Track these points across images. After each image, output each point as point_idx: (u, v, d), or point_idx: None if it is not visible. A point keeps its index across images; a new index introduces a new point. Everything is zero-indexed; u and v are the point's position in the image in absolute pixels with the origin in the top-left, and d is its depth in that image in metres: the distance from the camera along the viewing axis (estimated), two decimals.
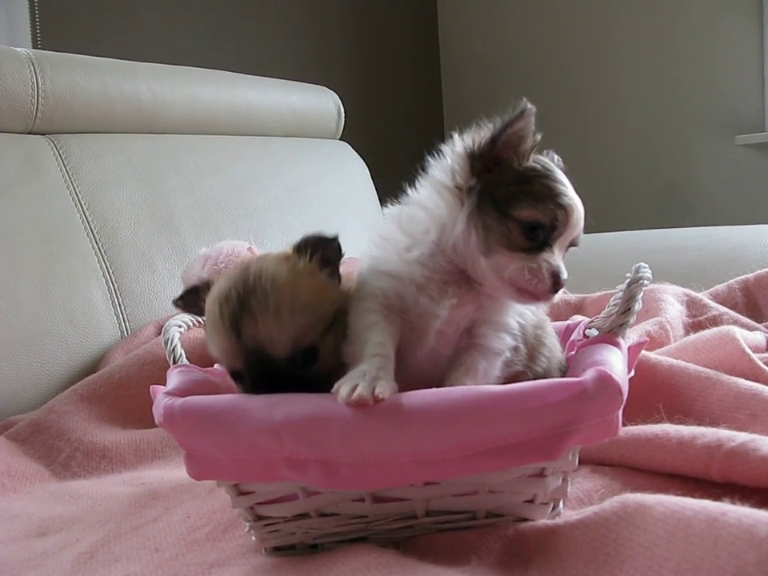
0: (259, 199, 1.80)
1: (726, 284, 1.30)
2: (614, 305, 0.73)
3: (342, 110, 2.18)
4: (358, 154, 2.19)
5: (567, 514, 0.66)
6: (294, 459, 0.61)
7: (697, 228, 1.74)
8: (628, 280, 0.71)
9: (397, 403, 0.60)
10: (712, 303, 1.22)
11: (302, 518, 0.67)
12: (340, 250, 0.72)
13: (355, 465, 0.60)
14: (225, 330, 0.67)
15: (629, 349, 0.71)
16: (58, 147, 1.54)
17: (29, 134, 1.52)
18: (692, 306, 1.22)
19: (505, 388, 0.60)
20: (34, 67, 1.48)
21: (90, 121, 1.61)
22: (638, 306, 0.70)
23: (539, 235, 0.68)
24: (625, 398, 0.60)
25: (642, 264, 0.73)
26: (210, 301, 0.70)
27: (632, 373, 0.69)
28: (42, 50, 1.77)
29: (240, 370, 0.68)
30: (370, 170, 2.19)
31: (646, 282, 0.70)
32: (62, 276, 1.39)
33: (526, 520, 0.65)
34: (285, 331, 0.65)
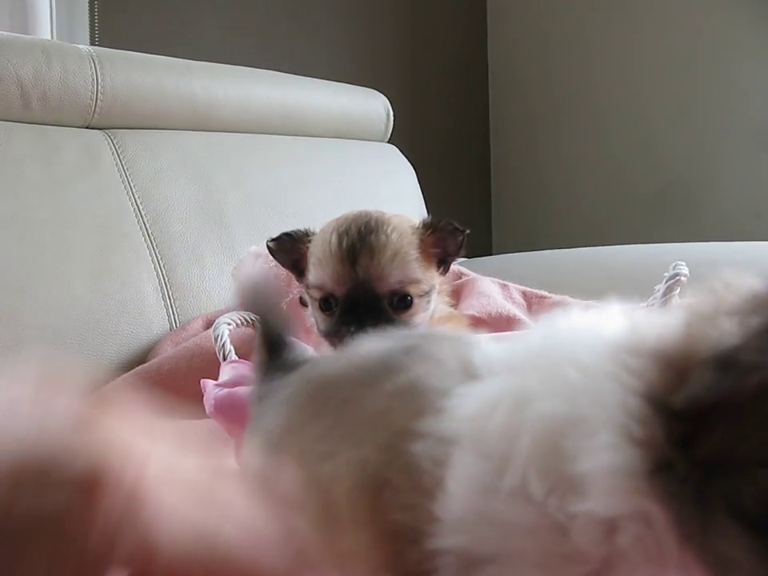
0: (308, 199, 1.82)
1: None
2: (652, 300, 0.74)
3: (392, 113, 2.19)
4: (406, 157, 2.20)
5: None
6: None
7: (740, 243, 1.71)
8: (667, 276, 0.73)
9: None
10: None
11: None
12: (461, 245, 0.79)
13: None
14: (340, 257, 0.74)
15: None
16: (115, 142, 1.57)
17: (87, 128, 1.55)
18: None
19: None
20: (94, 64, 1.52)
21: (146, 117, 1.64)
22: (675, 300, 0.71)
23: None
24: None
25: (680, 262, 0.75)
26: (326, 231, 0.77)
27: None
28: (100, 46, 1.81)
29: (339, 296, 0.74)
30: (416, 174, 2.20)
31: (683, 278, 0.72)
32: (115, 268, 1.43)
33: None
34: (394, 272, 0.74)
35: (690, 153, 2.94)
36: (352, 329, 0.70)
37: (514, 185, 3.36)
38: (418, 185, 2.18)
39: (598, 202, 3.10)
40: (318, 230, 0.80)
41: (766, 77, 2.75)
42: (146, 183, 1.57)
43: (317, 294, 0.75)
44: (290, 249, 0.80)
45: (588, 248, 1.93)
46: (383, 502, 0.41)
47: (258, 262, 1.18)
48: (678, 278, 0.72)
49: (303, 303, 0.89)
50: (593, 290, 1.50)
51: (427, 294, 0.77)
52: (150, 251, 1.50)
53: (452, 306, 0.91)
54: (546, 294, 1.41)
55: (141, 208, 1.53)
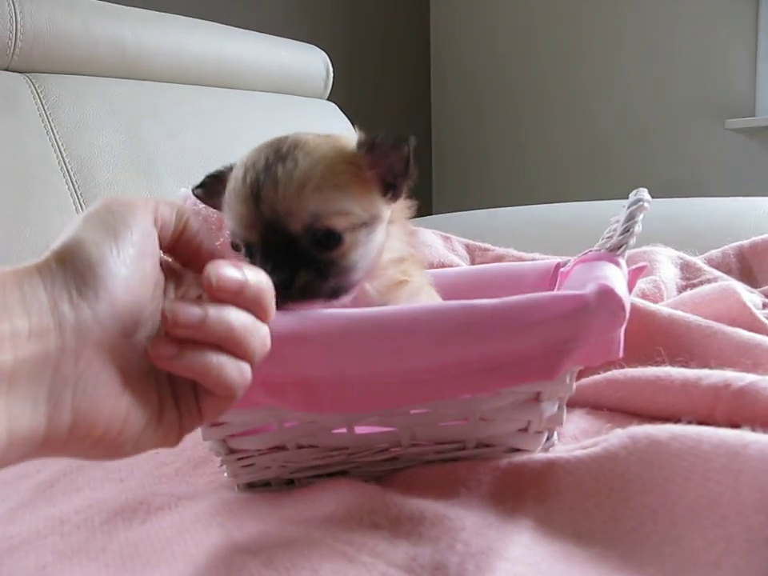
0: (241, 153, 1.73)
1: (720, 249, 1.26)
2: (613, 228, 0.69)
3: (331, 70, 2.13)
4: (345, 115, 2.14)
5: (561, 449, 0.62)
6: (271, 382, 0.56)
7: (690, 198, 1.70)
8: (628, 202, 0.68)
9: (384, 318, 0.55)
10: (706, 267, 1.19)
11: (278, 451, 0.62)
12: (407, 160, 0.64)
13: (337, 385, 0.55)
14: (244, 196, 0.60)
15: (629, 272, 0.67)
16: (37, 86, 1.48)
17: (5, 70, 1.45)
18: (686, 269, 1.18)
19: (501, 302, 0.55)
20: (12, 1, 1.42)
21: (71, 62, 1.54)
22: (638, 227, 0.66)
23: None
24: (627, 315, 0.56)
25: (642, 189, 0.70)
26: (237, 166, 0.63)
27: (631, 297, 0.66)
28: None
29: (254, 243, 0.61)
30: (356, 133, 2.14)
31: (645, 204, 0.67)
32: (35, 214, 1.33)
33: (517, 451, 0.61)
34: (305, 204, 0.59)
35: (624, 113, 2.94)
36: (274, 278, 0.59)
37: (455, 145, 3.32)
38: None
39: (540, 162, 3.08)
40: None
41: (738, 60, 2.76)
42: (70, 130, 1.48)
43: (235, 241, 0.64)
44: (217, 191, 0.68)
45: (527, 206, 1.90)
46: None
47: (187, 203, 1.11)
48: (641, 203, 0.67)
49: (235, 247, 0.78)
50: (533, 245, 1.47)
51: (366, 225, 0.62)
52: (73, 199, 1.41)
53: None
54: (489, 246, 1.37)
55: (64, 155, 1.44)
